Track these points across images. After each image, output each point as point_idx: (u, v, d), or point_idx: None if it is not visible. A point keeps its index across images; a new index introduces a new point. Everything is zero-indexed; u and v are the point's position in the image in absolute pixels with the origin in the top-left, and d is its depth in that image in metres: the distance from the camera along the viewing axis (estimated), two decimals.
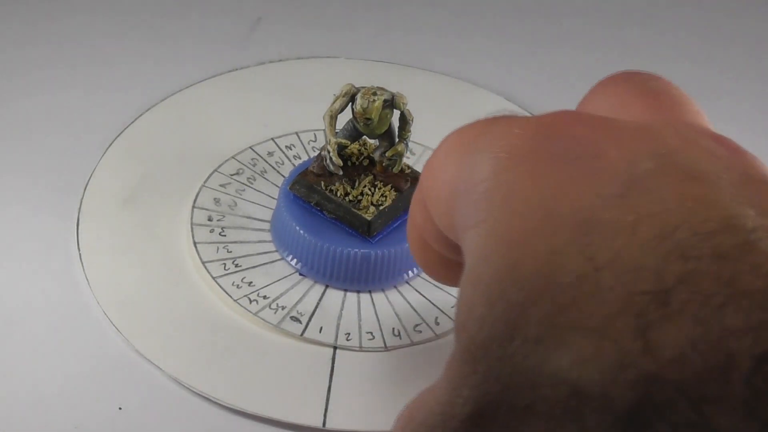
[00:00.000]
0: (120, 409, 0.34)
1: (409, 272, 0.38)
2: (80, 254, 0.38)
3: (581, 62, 0.50)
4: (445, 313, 0.37)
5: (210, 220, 0.39)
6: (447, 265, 0.32)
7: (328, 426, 0.34)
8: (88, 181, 0.40)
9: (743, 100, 0.49)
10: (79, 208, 0.39)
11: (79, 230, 0.39)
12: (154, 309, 0.36)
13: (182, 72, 0.46)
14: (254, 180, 0.41)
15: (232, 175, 0.41)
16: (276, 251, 0.39)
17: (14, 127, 0.43)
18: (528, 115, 0.46)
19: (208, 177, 0.41)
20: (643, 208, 0.23)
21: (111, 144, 0.42)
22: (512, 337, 0.22)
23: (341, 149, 0.38)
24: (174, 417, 0.34)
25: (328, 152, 0.38)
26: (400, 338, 0.36)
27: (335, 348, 0.36)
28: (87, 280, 0.37)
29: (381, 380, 0.35)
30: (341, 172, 0.38)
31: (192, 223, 0.39)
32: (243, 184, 0.41)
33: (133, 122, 0.43)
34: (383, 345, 0.36)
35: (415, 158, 0.42)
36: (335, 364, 0.35)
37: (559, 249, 0.23)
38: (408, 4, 0.52)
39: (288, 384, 0.35)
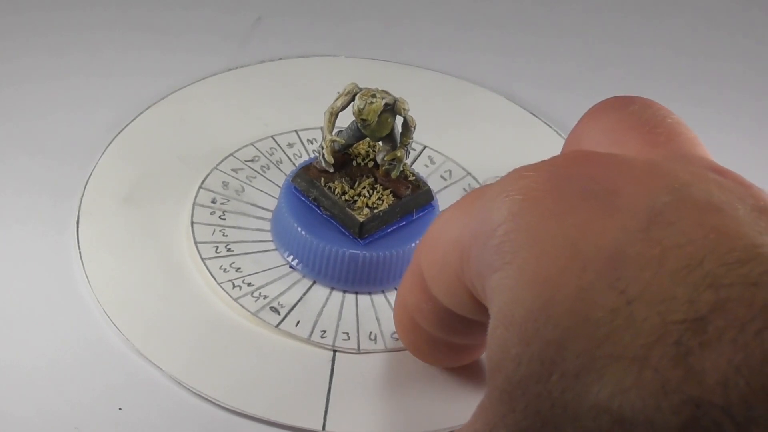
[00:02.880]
0: (120, 409, 0.34)
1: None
2: (80, 253, 0.38)
3: (582, 62, 0.50)
4: None
5: (213, 202, 0.39)
6: (435, 345, 0.33)
7: (328, 429, 0.34)
8: (88, 179, 0.40)
9: (742, 99, 0.49)
10: (79, 207, 0.39)
11: (79, 229, 0.39)
12: (155, 308, 0.37)
13: (182, 70, 0.46)
14: (268, 169, 0.41)
15: (247, 161, 0.41)
16: (272, 241, 0.39)
17: (13, 127, 0.43)
18: (528, 113, 0.46)
19: (222, 161, 0.41)
20: (667, 241, 0.23)
21: (111, 142, 0.42)
22: (550, 373, 0.23)
23: (342, 148, 0.38)
24: (174, 417, 0.34)
25: (322, 148, 0.38)
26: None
27: (335, 351, 0.36)
28: (87, 279, 0.37)
29: (381, 383, 0.35)
30: (332, 170, 0.38)
31: (194, 203, 0.39)
32: (256, 171, 0.41)
33: (132, 121, 0.43)
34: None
35: (413, 157, 0.42)
36: (335, 367, 0.35)
37: (590, 285, 0.23)
38: (409, 3, 0.52)
39: (288, 386, 0.35)
